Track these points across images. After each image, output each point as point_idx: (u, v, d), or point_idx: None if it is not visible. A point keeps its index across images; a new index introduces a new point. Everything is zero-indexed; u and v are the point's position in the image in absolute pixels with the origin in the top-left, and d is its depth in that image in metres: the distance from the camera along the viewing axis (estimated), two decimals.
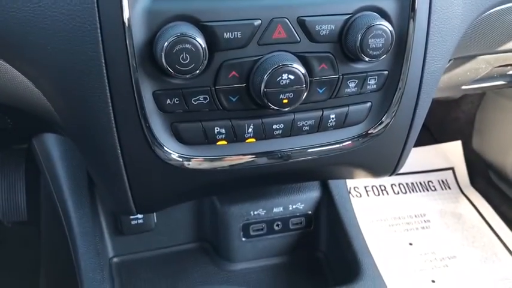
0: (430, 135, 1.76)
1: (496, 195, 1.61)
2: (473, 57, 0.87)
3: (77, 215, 0.83)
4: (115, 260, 0.87)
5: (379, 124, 0.67)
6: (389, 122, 0.67)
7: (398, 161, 0.73)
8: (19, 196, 1.24)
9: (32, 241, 1.28)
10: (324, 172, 0.76)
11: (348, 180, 0.92)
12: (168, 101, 0.58)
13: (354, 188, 1.60)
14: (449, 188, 1.66)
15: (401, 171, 1.65)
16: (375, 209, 1.55)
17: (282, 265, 0.90)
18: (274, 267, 0.89)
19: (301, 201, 0.88)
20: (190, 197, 0.77)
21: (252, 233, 0.88)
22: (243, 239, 0.88)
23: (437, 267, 1.42)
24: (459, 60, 0.87)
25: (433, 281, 1.38)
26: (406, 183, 1.64)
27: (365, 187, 1.61)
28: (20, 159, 1.30)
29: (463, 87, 1.03)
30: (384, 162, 0.73)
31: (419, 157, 1.69)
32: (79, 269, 0.79)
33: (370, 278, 0.77)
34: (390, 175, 0.76)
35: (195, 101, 0.59)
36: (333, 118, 0.64)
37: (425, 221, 1.54)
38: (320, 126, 0.64)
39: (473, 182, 1.67)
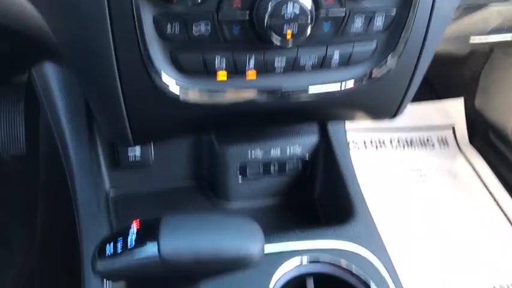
0: (433, 92, 1.74)
1: (494, 155, 1.62)
2: (484, 5, 0.85)
3: (75, 145, 0.83)
4: (112, 193, 0.88)
5: (384, 64, 0.65)
6: (393, 63, 0.65)
7: (400, 104, 0.72)
8: (18, 129, 1.24)
9: (29, 177, 1.29)
10: (324, 113, 0.76)
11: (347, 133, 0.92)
12: (169, 28, 0.57)
13: (353, 141, 1.60)
14: (448, 145, 1.66)
15: (401, 126, 1.67)
16: (372, 162, 1.56)
17: (276, 206, 0.91)
18: (269, 207, 0.89)
19: (299, 144, 0.87)
20: (188, 130, 0.76)
21: (248, 174, 0.88)
22: (240, 178, 0.88)
23: (431, 223, 1.44)
24: (469, 9, 0.85)
25: (427, 238, 1.41)
26: (405, 139, 1.64)
27: (364, 141, 1.61)
28: (19, 93, 1.30)
29: (471, 39, 1.01)
30: (385, 104, 0.72)
31: (419, 113, 1.68)
32: (75, 199, 0.80)
33: (362, 221, 0.78)
34: (391, 118, 0.76)
35: (196, 30, 0.58)
36: (337, 55, 0.63)
37: (421, 176, 1.55)
38: (323, 63, 0.63)
39: (473, 141, 1.67)
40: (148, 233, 0.50)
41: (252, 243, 0.52)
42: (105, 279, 0.52)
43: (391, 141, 1.62)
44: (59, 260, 1.00)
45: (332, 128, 0.88)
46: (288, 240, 0.74)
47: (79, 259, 0.73)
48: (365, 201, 0.82)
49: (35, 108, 1.17)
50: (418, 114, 1.67)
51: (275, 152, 0.88)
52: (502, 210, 1.49)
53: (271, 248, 0.73)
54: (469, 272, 1.32)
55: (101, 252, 0.51)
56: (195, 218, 0.53)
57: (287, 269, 0.71)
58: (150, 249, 0.49)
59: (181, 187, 0.91)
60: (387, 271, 0.72)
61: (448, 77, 1.71)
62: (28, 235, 1.12)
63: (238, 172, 0.88)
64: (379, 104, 0.72)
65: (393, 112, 0.74)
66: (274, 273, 0.70)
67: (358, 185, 0.84)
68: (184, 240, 0.50)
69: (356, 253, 0.73)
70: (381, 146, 1.61)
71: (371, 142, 1.61)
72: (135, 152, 0.85)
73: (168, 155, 0.89)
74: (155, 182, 0.90)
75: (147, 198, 0.87)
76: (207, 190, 0.91)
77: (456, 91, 1.70)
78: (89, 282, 0.67)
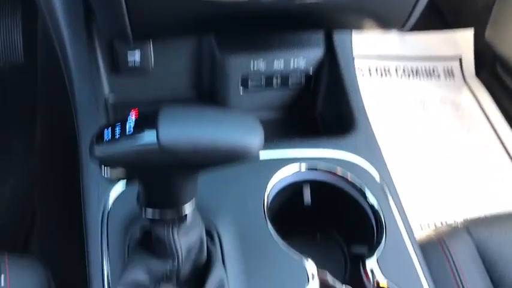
0: (443, 21, 1.69)
1: (499, 88, 1.59)
2: None
3: (73, 48, 0.80)
4: (111, 99, 0.87)
5: None
6: None
7: (410, 13, 0.70)
8: (16, 37, 1.22)
9: (28, 88, 1.28)
10: (330, 18, 0.73)
11: None
12: None
13: (358, 67, 1.57)
14: (454, 77, 1.63)
15: (407, 54, 1.63)
16: (376, 90, 1.54)
17: (277, 120, 0.90)
18: (270, 120, 0.89)
19: (303, 57, 0.85)
20: (188, 29, 0.74)
21: (250, 86, 0.86)
22: (241, 90, 0.87)
23: (429, 151, 1.44)
24: None
25: (423, 164, 1.41)
26: (411, 68, 1.61)
27: (369, 68, 1.59)
28: (16, 1, 1.26)
29: None
30: (395, 11, 0.70)
31: (427, 42, 1.64)
32: (74, 101, 0.79)
33: (362, 133, 0.77)
34: (400, 29, 0.73)
35: None
36: None
37: (423, 107, 1.54)
38: None
39: (479, 74, 1.64)
40: (147, 121, 0.49)
41: (251, 136, 0.51)
42: (103, 166, 0.52)
43: (396, 70, 1.60)
44: (58, 166, 1.00)
45: (338, 40, 0.85)
46: (287, 147, 0.74)
47: (78, 160, 0.73)
48: (367, 116, 0.81)
49: (32, 16, 1.14)
50: (425, 43, 1.63)
51: (278, 65, 0.86)
52: (502, 143, 1.50)
53: (269, 154, 0.73)
54: (461, 198, 1.34)
55: (98, 138, 0.50)
56: (195, 109, 0.52)
57: (284, 175, 0.72)
58: (149, 135, 0.48)
59: (181, 97, 0.89)
60: (384, 181, 0.72)
61: (460, 5, 1.66)
62: (28, 144, 1.12)
63: (239, 83, 0.86)
64: (389, 10, 0.69)
65: (402, 22, 0.71)
66: (271, 179, 0.70)
67: (362, 99, 0.83)
68: (183, 128, 0.49)
69: (354, 163, 0.73)
70: (385, 75, 1.59)
71: (376, 70, 1.58)
72: (135, 56, 0.83)
73: (169, 63, 0.87)
74: (155, 91, 0.89)
75: (147, 104, 0.86)
76: (207, 101, 0.90)
77: (466, 21, 1.65)
78: (87, 171, 0.67)
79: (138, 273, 0.56)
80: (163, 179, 0.52)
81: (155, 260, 0.56)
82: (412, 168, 1.37)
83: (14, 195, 1.07)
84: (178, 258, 0.55)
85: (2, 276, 0.64)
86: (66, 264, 0.75)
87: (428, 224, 1.28)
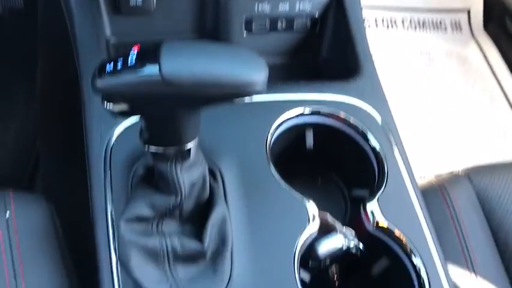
0: None
1: (507, 42, 1.57)
2: None
3: None
4: (112, 40, 0.85)
5: None
6: None
7: None
8: None
9: (29, 33, 1.26)
10: None
11: None
12: None
13: (364, 18, 1.54)
14: (461, 30, 1.60)
15: (414, 6, 1.60)
16: (381, 41, 1.52)
17: (281, 64, 0.88)
18: (274, 65, 0.87)
19: (309, 0, 0.83)
20: None
21: (254, 28, 0.85)
22: (245, 33, 0.85)
23: (432, 103, 1.43)
24: None
25: (425, 116, 1.41)
26: (418, 20, 1.58)
27: (375, 19, 1.55)
28: None
29: None
30: None
31: None
32: (75, 40, 0.78)
33: (367, 78, 0.76)
34: None
35: None
36: None
37: (429, 59, 1.52)
38: None
39: (487, 27, 1.61)
40: (149, 54, 0.48)
41: (255, 71, 0.50)
42: (106, 102, 0.51)
43: (402, 22, 1.56)
44: (59, 109, 1.00)
45: None
46: (291, 91, 0.73)
47: (80, 100, 0.72)
48: (373, 61, 0.80)
49: None
50: None
51: (283, 7, 0.84)
52: (507, 99, 1.48)
53: (273, 96, 0.72)
54: (463, 150, 1.35)
55: (100, 70, 0.50)
56: (198, 43, 0.51)
57: (287, 118, 0.71)
58: (151, 67, 0.47)
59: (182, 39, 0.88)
60: (387, 125, 0.72)
61: None
62: (29, 88, 1.12)
63: (243, 26, 0.84)
64: None
65: None
66: (273, 121, 0.70)
67: (368, 44, 0.81)
68: (186, 61, 0.48)
69: (357, 107, 0.73)
70: (392, 26, 1.56)
71: (382, 21, 1.55)
72: None
73: (171, 4, 0.85)
74: (157, 33, 0.87)
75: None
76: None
77: None
78: (89, 109, 0.67)
79: (141, 208, 0.56)
80: (166, 115, 0.51)
81: (158, 195, 0.56)
82: (415, 120, 1.37)
83: (17, 140, 1.07)
84: (181, 193, 0.56)
85: (8, 211, 0.64)
86: (70, 201, 0.76)
87: (429, 175, 1.28)
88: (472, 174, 0.86)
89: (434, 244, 0.65)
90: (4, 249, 0.62)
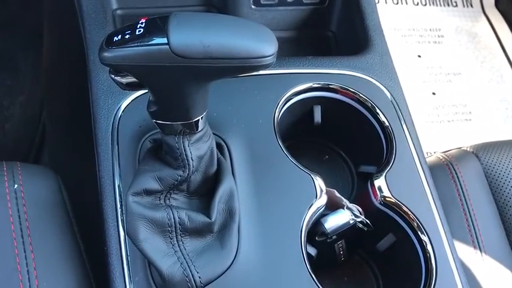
0: None
1: None
2: None
3: None
4: (119, 13, 0.84)
5: None
6: None
7: None
8: None
9: (35, 7, 1.25)
10: None
11: None
12: None
13: None
14: (472, 6, 1.57)
15: None
16: (391, 17, 1.49)
17: (290, 38, 0.87)
18: (282, 39, 0.86)
19: None
20: None
21: (262, 2, 0.83)
22: (253, 7, 0.84)
23: (441, 81, 1.42)
24: None
25: (434, 93, 1.40)
26: None
27: None
28: None
29: None
30: None
31: None
32: (81, 14, 0.76)
33: (377, 53, 0.75)
34: None
35: None
36: None
37: (438, 36, 1.49)
38: None
39: (498, 4, 1.58)
40: (157, 25, 0.48)
41: (265, 44, 0.49)
42: (113, 74, 0.50)
43: None
44: (65, 83, 0.99)
45: None
46: (300, 65, 0.72)
47: (86, 73, 0.72)
48: (383, 35, 0.78)
49: None
50: None
51: None
52: None
53: (281, 71, 0.71)
54: (470, 128, 1.34)
55: (108, 42, 0.49)
56: (207, 15, 0.50)
57: (295, 92, 0.70)
58: (160, 38, 0.46)
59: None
60: (396, 100, 0.71)
61: None
62: (36, 62, 1.11)
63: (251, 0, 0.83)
64: None
65: None
66: (281, 95, 0.69)
67: (378, 18, 0.80)
68: (195, 32, 0.47)
69: (367, 81, 0.72)
70: (401, 2, 1.53)
71: None
72: None
73: None
74: (163, 6, 0.86)
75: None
76: None
77: None
78: (96, 82, 0.66)
79: (149, 181, 0.56)
80: (174, 88, 0.50)
81: (166, 169, 0.56)
82: (422, 97, 1.36)
83: (24, 113, 1.07)
84: (188, 167, 0.55)
85: (16, 183, 0.65)
86: (77, 174, 0.76)
87: (437, 152, 1.28)
88: (480, 151, 0.85)
89: (441, 221, 0.65)
90: (13, 220, 0.62)
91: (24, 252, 0.61)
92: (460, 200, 0.79)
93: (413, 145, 0.70)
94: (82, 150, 0.74)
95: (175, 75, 0.49)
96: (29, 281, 0.60)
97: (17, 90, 1.15)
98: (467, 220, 0.77)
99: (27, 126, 1.04)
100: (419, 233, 0.63)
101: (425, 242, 0.63)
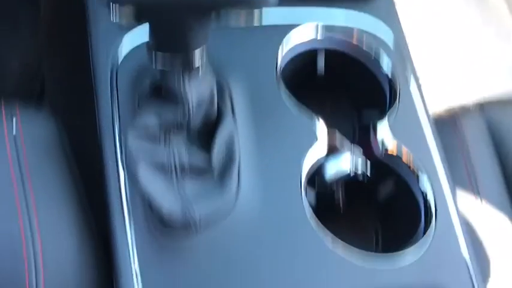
0: None
1: None
2: None
3: None
4: None
5: None
6: None
7: None
8: None
9: None
10: None
11: None
12: None
13: None
14: None
15: None
16: None
17: None
18: None
19: None
20: None
21: None
22: None
23: (446, 38, 1.40)
24: None
25: (438, 52, 1.38)
26: None
27: None
28: None
29: None
30: None
31: None
32: None
33: (384, 1, 0.73)
34: None
35: None
36: None
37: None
38: None
39: None
40: None
41: None
42: (112, 4, 0.49)
43: None
44: (65, 30, 0.98)
45: None
46: (302, 10, 0.70)
47: (85, 18, 0.70)
48: None
49: None
50: None
51: None
52: None
53: (283, 17, 0.70)
54: (475, 84, 1.33)
55: None
56: None
57: (298, 39, 0.69)
58: None
59: None
60: (401, 50, 0.70)
61: None
62: (34, 15, 1.09)
63: None
64: None
65: None
66: (284, 40, 0.68)
67: None
68: None
69: (371, 30, 0.70)
70: None
71: None
72: None
73: None
74: None
75: None
76: None
77: None
78: (96, 25, 0.65)
79: (150, 119, 0.56)
80: (174, 19, 0.49)
81: (166, 109, 0.56)
82: (428, 56, 1.34)
83: (24, 65, 1.06)
84: (188, 107, 0.55)
85: (14, 127, 0.64)
86: (77, 121, 0.76)
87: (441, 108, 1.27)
88: (484, 108, 0.84)
89: (444, 169, 0.65)
90: (12, 163, 0.62)
91: (24, 194, 0.61)
92: (463, 154, 0.79)
93: (418, 94, 0.69)
94: (82, 97, 0.73)
95: (175, 4, 0.48)
96: (29, 223, 0.60)
97: (16, 46, 1.13)
98: (468, 174, 0.77)
99: (27, 77, 1.03)
100: (420, 179, 0.63)
101: (425, 188, 0.63)
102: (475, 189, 0.77)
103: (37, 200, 0.62)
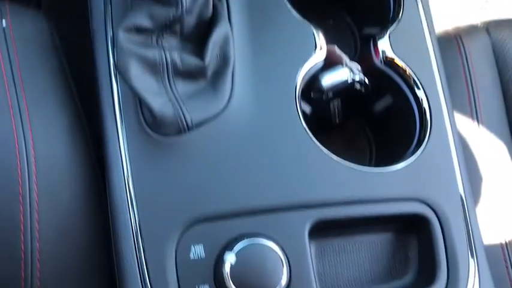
0: None
1: None
2: None
3: None
4: None
5: None
6: None
7: None
8: None
9: None
10: None
11: None
12: None
13: None
14: None
15: None
16: None
17: None
18: None
19: None
20: None
21: None
22: None
23: None
24: None
25: None
26: None
27: None
28: None
29: None
30: None
31: None
32: None
33: None
34: None
35: None
36: None
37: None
38: None
39: None
40: None
41: None
42: None
43: None
44: None
45: None
46: None
47: None
48: None
49: None
50: None
51: None
52: None
53: None
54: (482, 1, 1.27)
55: None
56: None
57: None
58: None
59: None
60: None
61: None
62: None
63: None
64: None
65: None
66: None
67: None
68: None
69: None
70: None
71: None
72: None
73: None
74: None
75: None
76: None
77: None
78: None
79: (141, 18, 0.54)
80: None
81: (158, 6, 0.54)
82: None
83: None
84: (181, 4, 0.53)
85: (4, 21, 0.62)
86: (71, 27, 0.73)
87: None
88: (491, 27, 0.82)
89: (442, 84, 0.63)
90: (2, 58, 0.60)
91: (16, 92, 0.60)
92: (464, 73, 0.77)
93: (423, 7, 0.66)
94: (77, 4, 0.70)
95: None
96: (20, 118, 0.59)
97: None
98: (468, 93, 0.76)
99: None
100: (417, 92, 0.62)
101: (422, 101, 0.62)
102: (473, 111, 0.76)
103: (27, 96, 0.61)
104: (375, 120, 0.69)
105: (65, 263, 0.57)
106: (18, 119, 0.60)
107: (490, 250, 0.63)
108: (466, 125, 0.74)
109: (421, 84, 0.62)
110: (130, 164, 0.55)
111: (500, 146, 0.75)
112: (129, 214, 0.54)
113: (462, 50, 0.78)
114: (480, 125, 0.74)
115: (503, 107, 0.78)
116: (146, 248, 0.53)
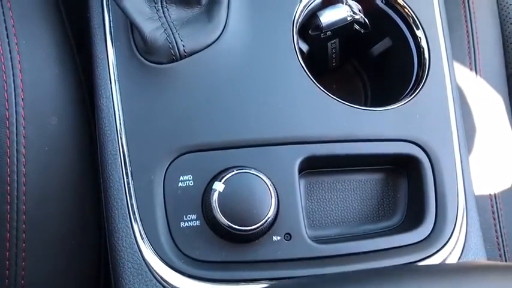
0: None
1: None
2: None
3: None
4: None
5: None
6: None
7: None
8: None
9: None
10: None
11: None
12: None
13: None
14: None
15: None
16: None
17: None
18: None
19: None
20: None
21: None
22: None
23: None
24: None
25: None
26: None
27: None
28: None
29: None
30: None
31: None
32: None
33: None
34: None
35: None
36: None
37: None
38: None
39: None
40: None
41: None
42: None
43: None
44: None
45: None
46: None
47: None
48: None
49: None
50: None
51: None
52: None
53: None
54: None
55: None
56: None
57: None
58: None
59: None
60: None
61: None
62: None
63: None
64: None
65: None
66: None
67: None
68: None
69: None
70: None
71: None
72: None
73: None
74: None
75: None
76: None
77: None
78: None
79: None
80: None
81: None
82: None
83: None
84: None
85: None
86: None
87: None
88: None
89: (443, 30, 0.61)
90: None
91: (4, 21, 0.58)
92: (466, 21, 0.75)
93: None
94: None
95: None
96: (9, 46, 0.58)
97: None
98: (468, 42, 0.74)
99: None
100: (416, 32, 0.60)
101: (421, 40, 0.60)
102: (472, 62, 0.74)
103: (15, 15, 0.58)
104: (372, 64, 0.68)
105: (51, 187, 0.56)
106: (6, 47, 0.58)
107: (478, 200, 0.63)
108: (464, 75, 0.72)
109: (420, 24, 0.60)
110: (119, 90, 0.53)
111: (497, 99, 0.74)
112: (118, 141, 0.53)
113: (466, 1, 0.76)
114: (478, 76, 0.73)
115: (503, 60, 0.76)
116: (134, 176, 0.52)
